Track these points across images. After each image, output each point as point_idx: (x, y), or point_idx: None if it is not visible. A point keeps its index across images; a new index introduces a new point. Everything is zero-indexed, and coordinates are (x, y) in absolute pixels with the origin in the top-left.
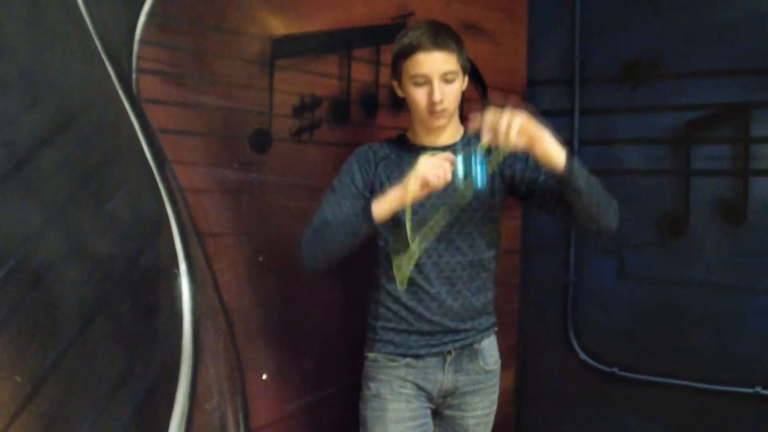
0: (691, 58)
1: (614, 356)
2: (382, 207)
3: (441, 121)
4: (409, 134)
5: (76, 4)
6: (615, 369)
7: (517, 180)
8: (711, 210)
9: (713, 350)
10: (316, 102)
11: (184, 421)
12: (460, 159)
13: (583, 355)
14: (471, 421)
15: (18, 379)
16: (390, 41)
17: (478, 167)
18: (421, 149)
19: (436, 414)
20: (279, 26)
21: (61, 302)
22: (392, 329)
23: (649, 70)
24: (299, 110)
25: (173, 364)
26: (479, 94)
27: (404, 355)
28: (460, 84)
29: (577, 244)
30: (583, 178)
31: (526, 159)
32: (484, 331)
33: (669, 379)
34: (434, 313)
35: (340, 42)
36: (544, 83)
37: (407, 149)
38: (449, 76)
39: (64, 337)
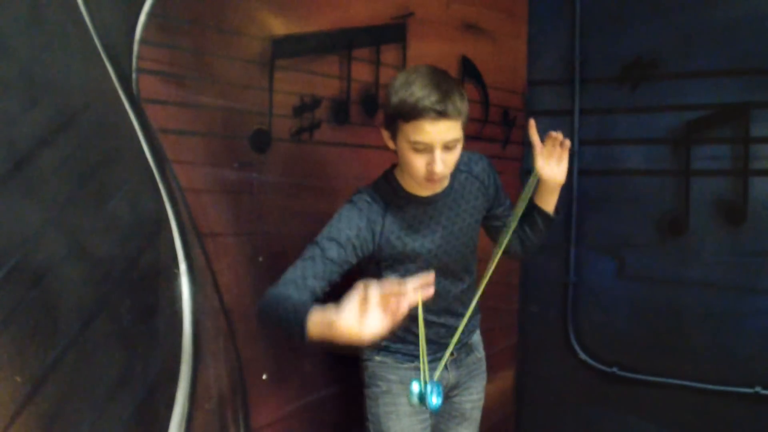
0: (691, 58)
1: (614, 356)
2: (316, 329)
3: (436, 186)
4: (399, 177)
5: (76, 4)
6: (615, 369)
7: (492, 210)
8: (711, 210)
9: (713, 350)
10: (316, 102)
11: (184, 421)
12: (415, 388)
13: (583, 355)
14: (468, 405)
15: (18, 379)
16: (390, 41)
17: (434, 395)
18: (422, 200)
19: None
20: (279, 26)
21: (61, 302)
22: (398, 342)
23: (649, 70)
24: (299, 110)
25: (173, 364)
26: (479, 94)
27: (412, 361)
28: (460, 147)
29: (577, 244)
30: None
31: (502, 194)
32: (473, 329)
33: (669, 379)
34: (441, 336)
35: (340, 42)
36: (544, 83)
37: (404, 198)
38: (452, 144)
39: (64, 337)
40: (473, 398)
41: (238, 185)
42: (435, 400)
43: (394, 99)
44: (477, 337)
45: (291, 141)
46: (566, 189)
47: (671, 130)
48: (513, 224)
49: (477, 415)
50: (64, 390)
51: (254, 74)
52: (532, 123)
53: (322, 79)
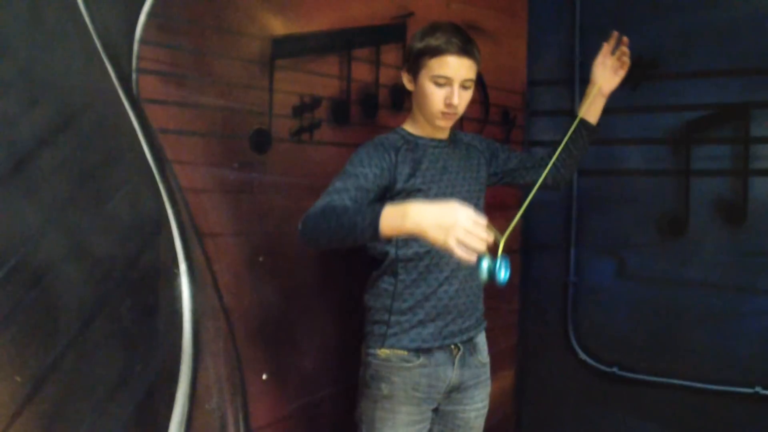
0: (691, 58)
1: (614, 356)
2: (391, 225)
3: (449, 123)
4: (409, 128)
5: (76, 4)
6: (615, 369)
7: (504, 167)
8: (711, 210)
9: (713, 350)
10: (316, 102)
11: (184, 421)
12: (485, 264)
13: (583, 355)
14: (472, 414)
15: (18, 379)
16: (390, 41)
17: (502, 269)
18: (429, 143)
19: (435, 410)
20: (279, 26)
21: (61, 302)
22: (407, 321)
23: (649, 70)
24: (299, 110)
25: (173, 364)
26: (479, 94)
27: (417, 352)
28: (472, 91)
29: (577, 244)
30: None
31: (505, 151)
32: (479, 324)
33: (669, 379)
34: (450, 308)
35: (340, 42)
36: (544, 83)
37: (412, 142)
38: (468, 83)
39: (64, 337)
40: (477, 406)
41: (238, 185)
42: (503, 274)
43: (420, 43)
44: (481, 338)
45: (291, 141)
46: (566, 189)
47: (671, 130)
48: (554, 156)
49: (480, 423)
50: (64, 390)
51: (254, 74)
52: (615, 34)
53: (322, 79)
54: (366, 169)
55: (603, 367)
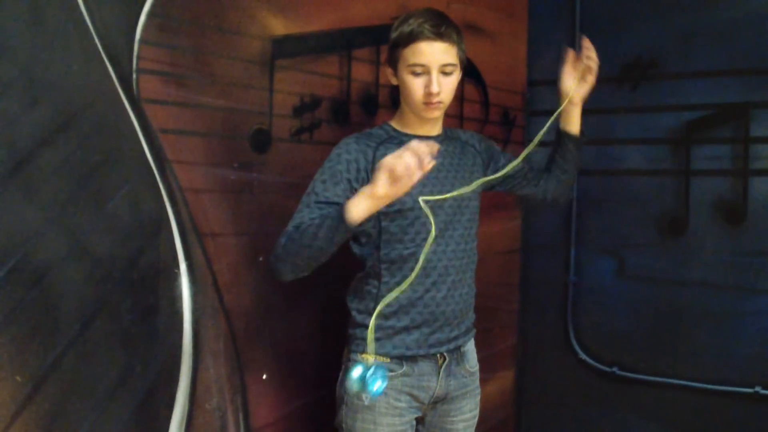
0: (691, 58)
1: (614, 356)
2: (357, 209)
3: (435, 113)
4: (395, 124)
5: (76, 4)
6: (614, 369)
7: (497, 164)
8: (711, 210)
9: (713, 350)
10: (316, 102)
11: (184, 421)
12: (359, 369)
13: (582, 355)
14: (461, 425)
15: (18, 379)
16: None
17: (377, 381)
18: (416, 138)
19: (420, 420)
20: (279, 26)
21: (61, 302)
22: (390, 327)
23: (649, 70)
24: (299, 110)
25: (173, 364)
26: (479, 94)
27: (401, 360)
28: (457, 77)
29: (578, 244)
30: None
31: (508, 157)
32: (468, 333)
33: (669, 379)
34: (437, 315)
35: (340, 42)
36: (544, 83)
37: (396, 138)
38: (448, 69)
39: (64, 337)
40: (466, 417)
41: (238, 185)
42: (378, 385)
43: (395, 33)
44: (470, 346)
45: (291, 141)
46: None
47: (671, 130)
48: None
49: None
50: (64, 390)
51: (254, 74)
52: (585, 40)
53: (322, 79)
54: (337, 178)
55: (603, 367)
